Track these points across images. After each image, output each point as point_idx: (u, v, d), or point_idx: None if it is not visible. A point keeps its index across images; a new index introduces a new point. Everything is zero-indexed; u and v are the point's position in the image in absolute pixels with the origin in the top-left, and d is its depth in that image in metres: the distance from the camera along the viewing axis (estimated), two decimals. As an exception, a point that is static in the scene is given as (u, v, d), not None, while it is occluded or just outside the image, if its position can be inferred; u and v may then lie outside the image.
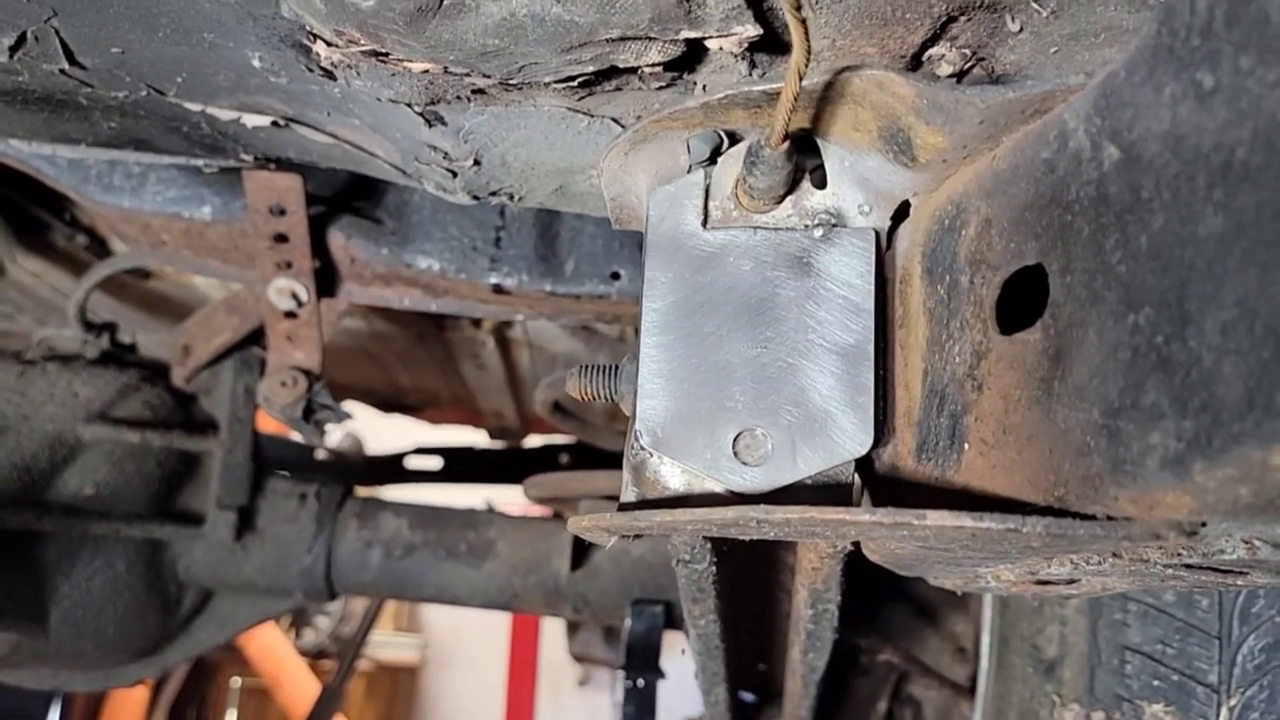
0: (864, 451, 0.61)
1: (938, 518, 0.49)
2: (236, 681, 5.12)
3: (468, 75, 0.72)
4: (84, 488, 1.54)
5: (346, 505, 1.71)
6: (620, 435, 2.02)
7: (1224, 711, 1.02)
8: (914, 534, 0.52)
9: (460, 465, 2.89)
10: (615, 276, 1.38)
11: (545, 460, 2.83)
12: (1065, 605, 1.14)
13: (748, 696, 1.57)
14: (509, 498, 3.27)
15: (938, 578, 0.79)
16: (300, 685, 4.42)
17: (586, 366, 0.74)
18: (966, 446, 0.57)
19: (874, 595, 1.63)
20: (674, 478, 0.64)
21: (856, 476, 0.64)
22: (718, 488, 0.62)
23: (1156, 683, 1.05)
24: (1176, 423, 0.43)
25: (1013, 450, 0.53)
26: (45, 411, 1.55)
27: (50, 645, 1.55)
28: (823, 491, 0.61)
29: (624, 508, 0.63)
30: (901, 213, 0.66)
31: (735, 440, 0.62)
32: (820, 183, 0.66)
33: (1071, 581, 0.74)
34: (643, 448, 0.64)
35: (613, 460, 2.21)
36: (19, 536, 1.48)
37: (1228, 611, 1.04)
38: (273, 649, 4.51)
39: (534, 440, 3.21)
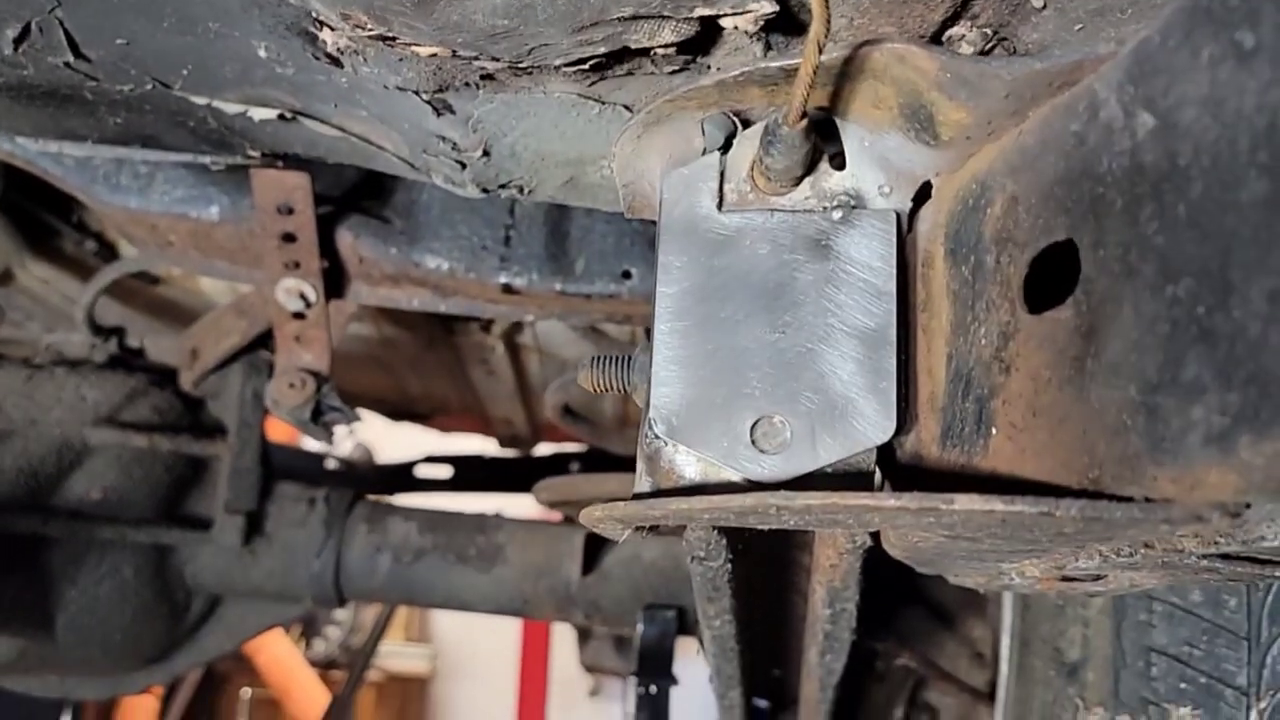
0: (886, 439, 0.59)
1: (966, 502, 0.47)
2: (247, 692, 5.10)
3: (476, 58, 0.71)
4: (91, 492, 1.53)
5: (355, 510, 1.70)
6: (631, 440, 1.99)
7: (1253, 714, 0.99)
8: (941, 521, 0.50)
9: (470, 474, 2.87)
10: (627, 275, 1.37)
11: (556, 469, 2.81)
12: (1088, 607, 1.12)
13: (761, 703, 1.55)
14: (520, 507, 3.26)
15: (959, 575, 0.77)
16: (310, 696, 4.40)
17: (598, 357, 0.73)
18: (994, 431, 0.55)
19: (891, 599, 1.60)
20: (689, 467, 0.62)
21: (877, 466, 0.62)
22: (735, 477, 0.60)
23: (1183, 685, 1.02)
24: (1221, 396, 0.41)
25: (1043, 433, 0.51)
26: (52, 416, 1.55)
27: (57, 651, 1.54)
28: (843, 480, 0.59)
29: (638, 498, 0.62)
30: (923, 194, 0.65)
31: (753, 428, 0.60)
32: (839, 164, 0.65)
33: (1099, 578, 0.72)
34: (657, 436, 0.62)
35: (624, 465, 2.19)
36: (25, 541, 1.47)
37: (1256, 612, 1.01)
38: (283, 659, 4.50)
39: (545, 449, 3.19)
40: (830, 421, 0.59)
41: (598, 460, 2.71)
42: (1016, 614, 1.22)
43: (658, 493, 0.61)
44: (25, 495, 1.47)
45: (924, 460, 0.61)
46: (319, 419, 1.45)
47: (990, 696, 1.54)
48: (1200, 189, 0.43)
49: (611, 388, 0.71)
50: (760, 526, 0.59)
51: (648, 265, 1.37)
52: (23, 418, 1.53)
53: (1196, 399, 0.42)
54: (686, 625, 1.61)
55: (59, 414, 1.56)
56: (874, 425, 0.59)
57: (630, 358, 0.72)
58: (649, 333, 0.67)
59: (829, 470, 0.59)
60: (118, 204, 1.34)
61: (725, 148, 0.69)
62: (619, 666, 3.97)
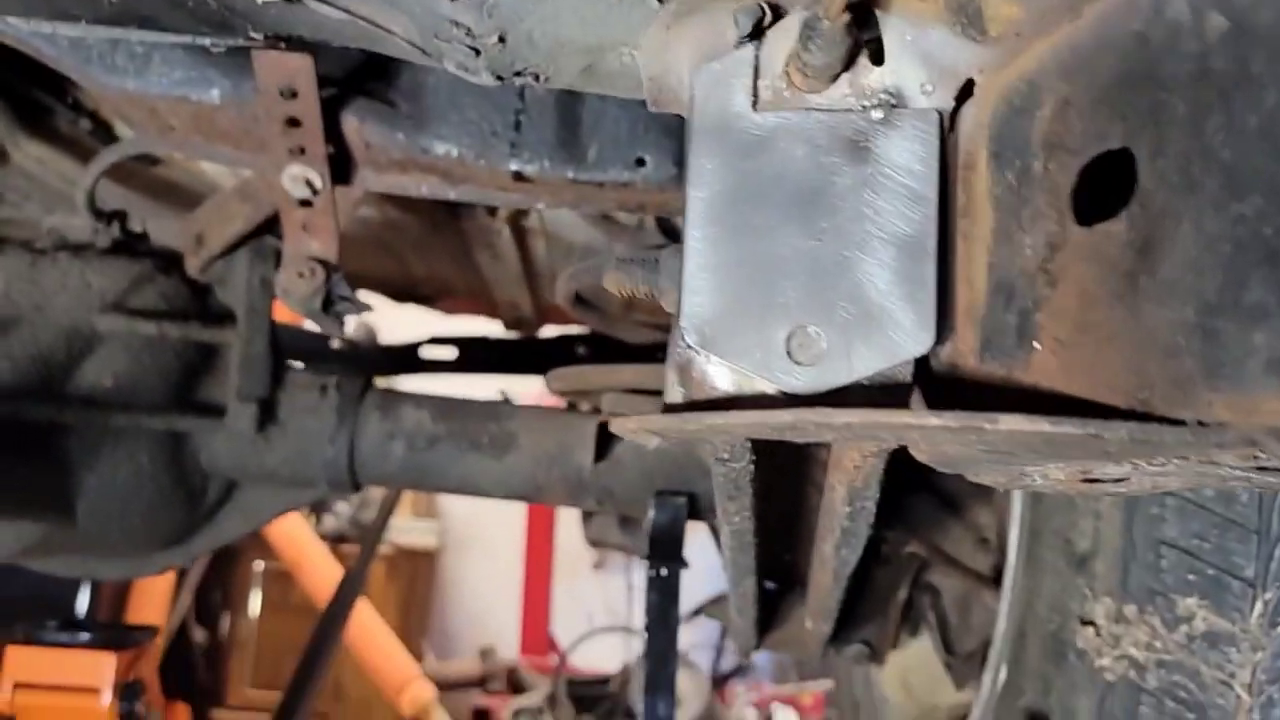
0: (924, 351, 0.58)
1: (1011, 422, 0.47)
2: (260, 565, 5.23)
3: (495, -59, 0.67)
4: (103, 379, 1.53)
5: (368, 397, 1.70)
6: (638, 327, 1.98)
7: (1259, 605, 1.01)
8: (982, 438, 0.50)
9: (475, 355, 2.87)
10: (640, 163, 1.33)
11: (562, 351, 2.80)
12: (1100, 500, 1.13)
13: (770, 586, 1.58)
14: (524, 388, 3.27)
15: (979, 475, 0.77)
16: (322, 569, 4.51)
17: (625, 260, 0.71)
18: (1037, 345, 0.53)
19: (899, 486, 1.62)
20: (722, 378, 0.61)
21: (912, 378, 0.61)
22: (768, 388, 0.59)
23: (1191, 577, 1.04)
24: (1286, 323, 0.39)
25: (1090, 350, 0.50)
26: (59, 302, 1.53)
27: (79, 536, 1.56)
28: (879, 393, 0.59)
29: (670, 409, 0.61)
30: (966, 93, 0.62)
31: (788, 338, 0.59)
32: (878, 59, 0.62)
33: (1121, 480, 0.72)
34: (689, 346, 0.61)
35: (631, 352, 2.19)
36: (42, 429, 1.48)
37: (1267, 507, 1.02)
38: (294, 534, 4.59)
39: (550, 331, 3.18)
40: (867, 332, 0.58)
41: (602, 343, 2.70)
42: (1027, 506, 1.23)
43: (691, 405, 0.61)
44: (38, 383, 1.47)
45: (960, 371, 0.60)
46: (329, 309, 1.44)
47: (993, 581, 1.57)
48: (1275, 99, 0.41)
49: (639, 292, 0.70)
50: (796, 440, 0.58)
51: (662, 152, 1.33)
52: (29, 305, 1.52)
53: (1260, 324, 0.40)
54: (697, 510, 1.64)
55: (66, 300, 1.54)
56: (912, 336, 0.58)
57: (657, 260, 0.70)
58: (659, 221, 0.65)
59: (864, 382, 0.58)
60: (115, 85, 1.29)
61: (756, 34, 0.66)
62: (622, 542, 4.05)
